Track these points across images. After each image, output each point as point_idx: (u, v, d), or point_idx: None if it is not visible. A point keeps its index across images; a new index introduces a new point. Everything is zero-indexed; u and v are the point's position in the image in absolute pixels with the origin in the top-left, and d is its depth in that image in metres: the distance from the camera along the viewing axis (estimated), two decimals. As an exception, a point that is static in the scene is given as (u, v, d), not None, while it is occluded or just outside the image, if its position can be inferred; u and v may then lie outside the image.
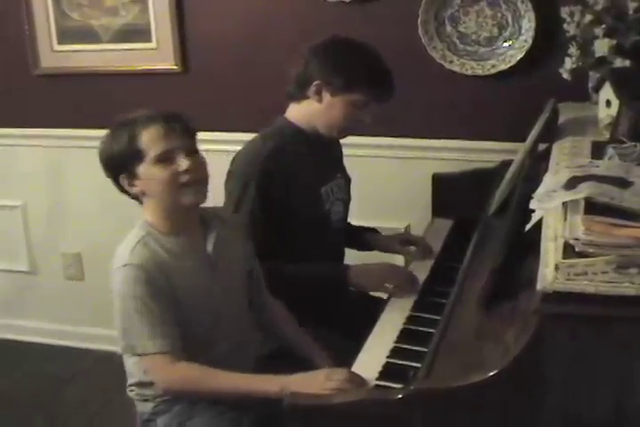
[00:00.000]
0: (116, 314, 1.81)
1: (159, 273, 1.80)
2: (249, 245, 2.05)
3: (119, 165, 1.85)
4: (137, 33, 3.10)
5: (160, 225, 1.87)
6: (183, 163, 1.80)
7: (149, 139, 1.80)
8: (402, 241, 2.51)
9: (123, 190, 1.89)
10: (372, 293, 2.38)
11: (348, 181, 2.44)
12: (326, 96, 2.16)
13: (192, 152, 1.83)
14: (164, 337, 1.77)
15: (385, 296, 2.17)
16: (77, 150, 3.34)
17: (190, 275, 1.86)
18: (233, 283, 1.98)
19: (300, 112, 2.23)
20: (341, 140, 2.44)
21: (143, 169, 1.81)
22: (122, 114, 1.90)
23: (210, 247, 1.92)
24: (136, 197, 1.90)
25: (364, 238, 2.53)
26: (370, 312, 2.04)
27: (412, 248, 2.48)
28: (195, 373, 1.79)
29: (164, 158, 1.80)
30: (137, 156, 1.80)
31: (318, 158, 2.25)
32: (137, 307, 1.77)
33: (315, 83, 2.15)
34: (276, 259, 2.11)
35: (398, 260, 2.65)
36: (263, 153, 2.14)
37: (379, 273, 2.18)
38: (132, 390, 1.98)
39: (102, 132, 3.23)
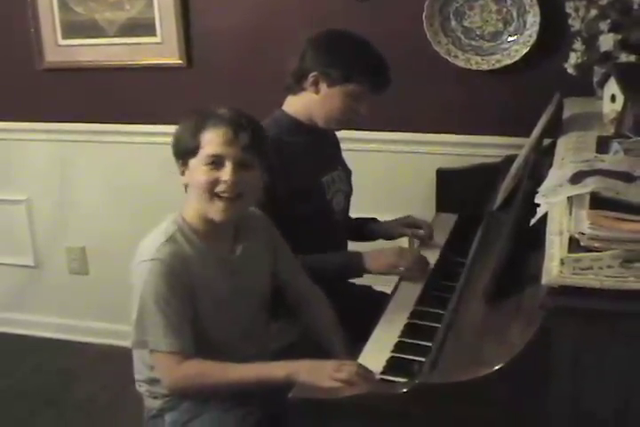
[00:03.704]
0: (132, 307, 1.80)
1: (183, 270, 1.80)
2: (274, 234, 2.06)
3: (178, 151, 1.87)
4: (142, 27, 3.10)
5: (194, 221, 1.87)
6: (226, 173, 1.79)
7: (210, 138, 1.80)
8: (406, 224, 2.52)
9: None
10: (377, 285, 2.41)
11: (348, 173, 2.45)
12: (323, 87, 2.18)
13: (244, 166, 1.82)
14: (177, 337, 1.77)
15: (392, 285, 2.18)
16: (81, 144, 3.36)
17: (210, 276, 1.86)
18: (252, 296, 1.98)
19: (297, 104, 2.24)
20: (346, 135, 2.44)
21: (194, 163, 1.83)
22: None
23: (236, 255, 1.93)
24: (186, 186, 1.90)
25: (368, 228, 2.54)
26: (372, 307, 2.04)
27: (420, 231, 2.48)
28: (199, 368, 1.78)
29: (213, 162, 1.80)
30: (194, 148, 1.82)
31: (317, 149, 2.26)
32: (157, 303, 1.76)
33: (312, 74, 2.17)
34: None
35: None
36: None
37: (390, 256, 2.19)
38: (140, 386, 1.99)
39: (107, 127, 3.27)
